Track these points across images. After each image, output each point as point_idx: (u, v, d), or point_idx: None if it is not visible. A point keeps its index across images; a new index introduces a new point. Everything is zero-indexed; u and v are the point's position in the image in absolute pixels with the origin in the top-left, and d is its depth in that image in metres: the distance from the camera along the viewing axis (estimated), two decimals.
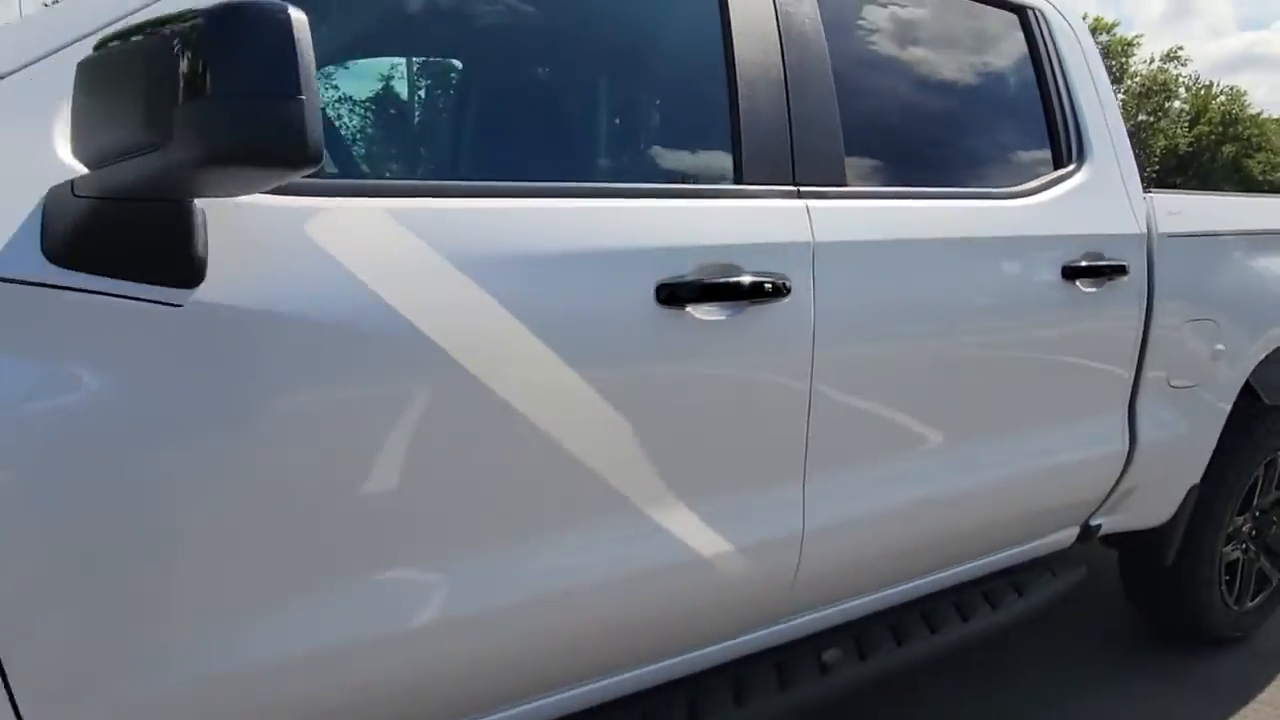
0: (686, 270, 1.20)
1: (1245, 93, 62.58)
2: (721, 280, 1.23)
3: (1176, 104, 60.88)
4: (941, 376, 1.56)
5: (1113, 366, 1.87)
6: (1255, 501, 2.42)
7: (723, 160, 1.34)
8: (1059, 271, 1.69)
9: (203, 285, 0.87)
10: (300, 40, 0.68)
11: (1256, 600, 2.50)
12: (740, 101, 1.32)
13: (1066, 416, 1.83)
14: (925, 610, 1.74)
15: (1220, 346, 2.07)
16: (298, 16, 0.69)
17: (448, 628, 1.08)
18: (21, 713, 0.83)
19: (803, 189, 1.37)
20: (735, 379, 1.28)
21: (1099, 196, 1.82)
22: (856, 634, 1.62)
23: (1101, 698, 2.20)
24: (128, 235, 0.82)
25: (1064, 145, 1.86)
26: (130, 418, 0.85)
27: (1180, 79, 62.16)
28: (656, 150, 1.41)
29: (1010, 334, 1.68)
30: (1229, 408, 2.14)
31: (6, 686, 0.82)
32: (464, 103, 1.25)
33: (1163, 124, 57.67)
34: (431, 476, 1.04)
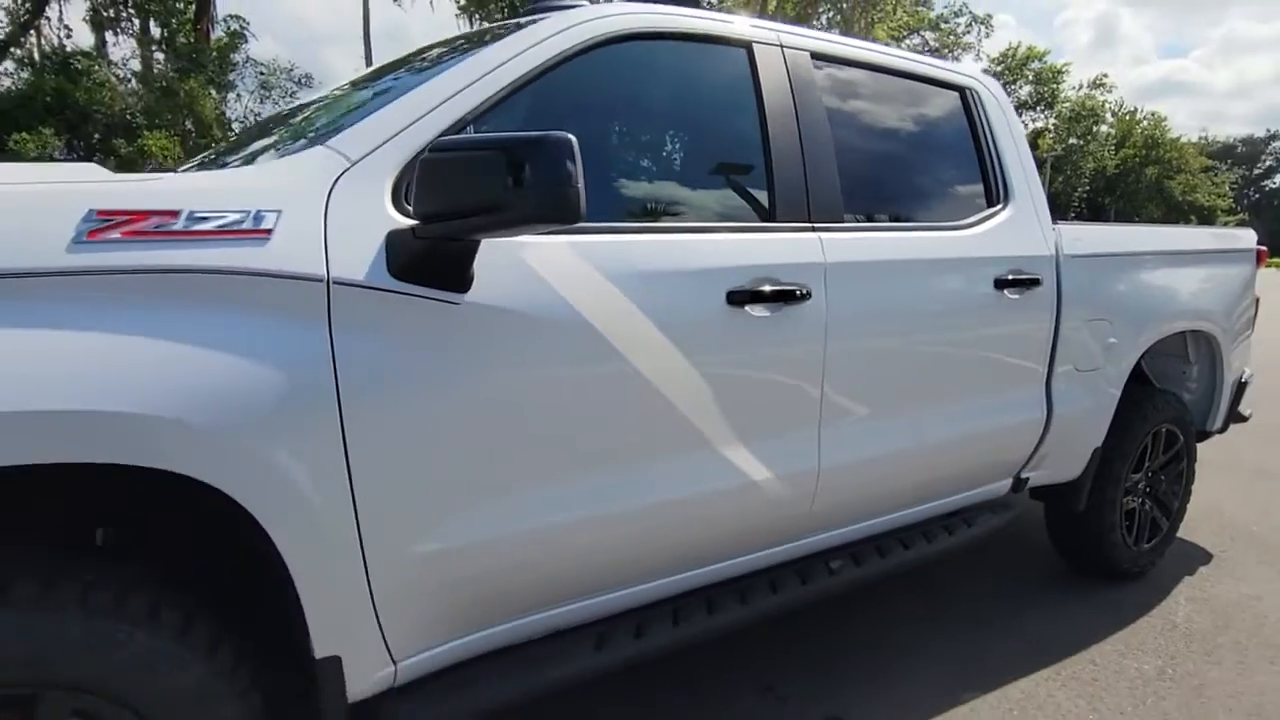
0: (745, 281, 1.76)
1: (1165, 118, 66.12)
2: (765, 288, 1.80)
3: (1104, 128, 64.10)
4: (912, 357, 2.16)
5: (1033, 354, 2.50)
6: (1147, 464, 3.08)
7: (764, 207, 1.92)
8: (991, 283, 2.31)
9: (470, 290, 1.40)
10: (575, 153, 1.23)
11: (1151, 543, 3.16)
12: (774, 170, 1.91)
13: (1000, 392, 2.44)
14: (901, 536, 2.33)
15: (1113, 340, 2.72)
16: (574, 139, 1.24)
17: (608, 520, 1.62)
18: (370, 543, 1.34)
19: (816, 225, 1.96)
20: (776, 357, 1.85)
21: (1019, 228, 2.46)
22: (852, 550, 2.20)
23: (1036, 619, 2.80)
24: (440, 261, 1.36)
25: (994, 189, 2.50)
26: (429, 363, 1.38)
27: (1106, 104, 65.46)
28: (725, 202, 1.97)
29: (957, 328, 2.29)
30: (1120, 389, 2.79)
31: (357, 527, 1.33)
32: (612, 170, 1.78)
33: (1091, 147, 60.65)
34: (590, 412, 1.58)
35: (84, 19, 25.14)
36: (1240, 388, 3.50)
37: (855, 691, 2.29)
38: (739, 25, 2.00)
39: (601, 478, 1.61)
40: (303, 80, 25.93)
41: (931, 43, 44.36)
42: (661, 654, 1.80)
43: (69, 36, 25.20)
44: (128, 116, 19.42)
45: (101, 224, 1.15)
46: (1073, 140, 61.35)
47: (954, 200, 2.47)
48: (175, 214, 1.20)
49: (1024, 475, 2.68)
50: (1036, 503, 3.05)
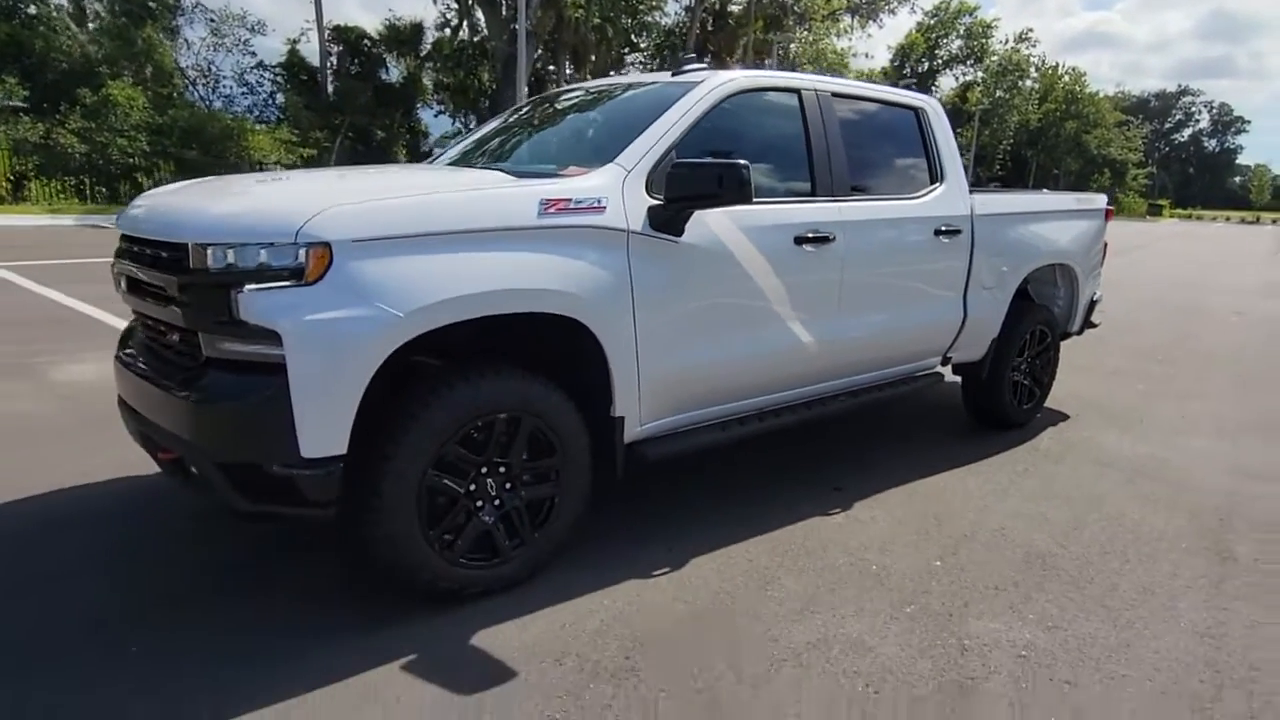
0: (802, 230, 3.21)
1: (1085, 74, 68.98)
2: (812, 234, 3.24)
3: (1028, 83, 66.69)
4: (887, 276, 3.65)
5: (956, 277, 4.02)
6: (1027, 351, 4.69)
7: (809, 187, 3.35)
8: (933, 232, 3.81)
9: (682, 235, 2.81)
10: (749, 169, 2.64)
11: (1029, 405, 4.80)
12: (814, 164, 3.35)
13: (937, 300, 3.97)
14: (877, 386, 3.86)
15: (1004, 269, 4.27)
16: (747, 164, 2.64)
17: (737, 360, 3.07)
18: (640, 361, 2.76)
19: (836, 197, 3.40)
20: (818, 274, 3.30)
21: (949, 197, 3.95)
22: (851, 390, 3.72)
23: (959, 448, 4.37)
24: (674, 221, 2.75)
25: (934, 172, 3.98)
26: (665, 271, 2.78)
27: (1031, 59, 67.99)
28: (790, 183, 3.38)
29: (913, 260, 3.79)
30: (1008, 302, 4.36)
31: (636, 350, 2.75)
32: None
33: (1016, 101, 63.13)
34: (733, 299, 3.01)
35: None
36: (1091, 305, 5.15)
37: (848, 476, 3.84)
38: (794, 79, 3.41)
39: (740, 334, 3.06)
40: (255, 27, 25.84)
41: None
42: (755, 435, 3.29)
43: None
44: (88, 64, 19.37)
45: (547, 205, 2.51)
46: (999, 94, 64.22)
47: (911, 180, 3.94)
48: (569, 200, 2.57)
49: (949, 355, 4.24)
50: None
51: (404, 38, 30.94)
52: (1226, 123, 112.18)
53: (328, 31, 27.98)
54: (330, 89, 28.12)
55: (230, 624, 2.43)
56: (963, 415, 4.85)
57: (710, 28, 41.83)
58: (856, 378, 3.73)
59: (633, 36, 39.72)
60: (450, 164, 3.73)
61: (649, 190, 2.79)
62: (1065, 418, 5.06)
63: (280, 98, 27.37)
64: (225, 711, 2.02)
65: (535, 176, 2.81)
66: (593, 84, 3.94)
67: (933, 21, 65.33)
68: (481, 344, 2.66)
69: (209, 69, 25.66)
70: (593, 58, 35.20)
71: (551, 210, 2.53)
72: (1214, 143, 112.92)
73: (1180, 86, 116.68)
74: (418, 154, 31.81)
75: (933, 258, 3.88)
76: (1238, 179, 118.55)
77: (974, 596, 2.76)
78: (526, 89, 26.45)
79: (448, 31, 33.11)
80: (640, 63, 46.16)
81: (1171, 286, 13.14)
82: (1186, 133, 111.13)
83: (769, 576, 2.84)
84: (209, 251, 2.18)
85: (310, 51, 27.94)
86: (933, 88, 67.78)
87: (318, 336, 2.12)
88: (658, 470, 3.11)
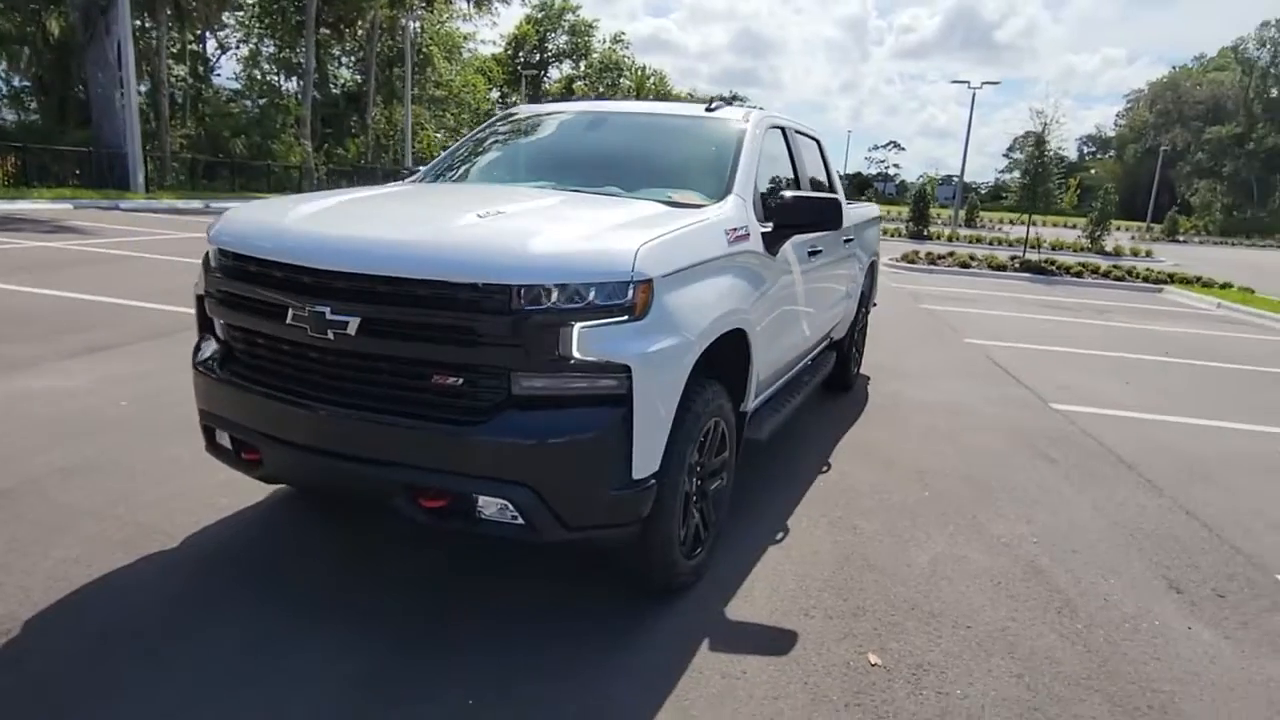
0: (811, 245, 3.95)
1: (666, 75, 78.97)
2: (814, 248, 4.01)
3: (625, 81, 74.30)
4: (833, 275, 4.59)
5: (856, 272, 5.13)
6: (857, 325, 6.05)
7: None
8: (844, 240, 4.84)
9: (777, 254, 3.37)
10: (844, 205, 3.30)
11: (857, 370, 6.19)
12: (800, 186, 4.10)
13: (840, 291, 5.02)
14: (814, 364, 4.80)
15: (859, 266, 5.52)
16: (841, 198, 3.30)
17: (782, 349, 3.71)
18: (760, 360, 3.27)
19: None
20: (815, 276, 4.08)
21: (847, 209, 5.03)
22: (809, 369, 4.60)
23: (828, 405, 5.52)
24: (776, 242, 3.29)
25: (831, 190, 5.01)
26: (770, 276, 3.31)
27: (625, 60, 75.58)
28: None
29: (839, 261, 4.78)
30: (860, 290, 5.64)
31: (749, 353, 3.26)
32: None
33: (616, 97, 70.10)
34: (787, 303, 3.64)
35: None
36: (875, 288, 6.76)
37: (803, 444, 4.71)
38: (779, 119, 4.10)
39: (787, 328, 3.70)
40: None
41: None
42: (799, 407, 3.97)
43: None
44: None
45: (730, 235, 2.89)
46: (601, 89, 70.74)
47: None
48: (739, 229, 2.97)
49: (832, 335, 5.35)
50: None
51: None
52: None
53: None
54: None
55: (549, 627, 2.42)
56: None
57: None
58: (813, 354, 4.62)
59: None
60: (457, 180, 3.71)
61: (757, 216, 3.28)
62: (868, 378, 6.58)
63: None
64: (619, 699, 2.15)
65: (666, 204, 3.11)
66: (601, 106, 4.20)
67: (541, 15, 69.18)
68: None
69: None
70: (194, 10, 30.65)
71: (733, 239, 2.92)
72: None
73: (731, 92, 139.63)
74: None
75: (844, 259, 4.92)
76: None
77: (973, 511, 3.83)
78: (131, 45, 22.23)
79: None
80: (242, 22, 41.35)
81: None
82: None
83: (848, 523, 3.58)
84: (524, 291, 2.18)
85: None
86: (543, 79, 72.11)
87: (655, 366, 2.30)
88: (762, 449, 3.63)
